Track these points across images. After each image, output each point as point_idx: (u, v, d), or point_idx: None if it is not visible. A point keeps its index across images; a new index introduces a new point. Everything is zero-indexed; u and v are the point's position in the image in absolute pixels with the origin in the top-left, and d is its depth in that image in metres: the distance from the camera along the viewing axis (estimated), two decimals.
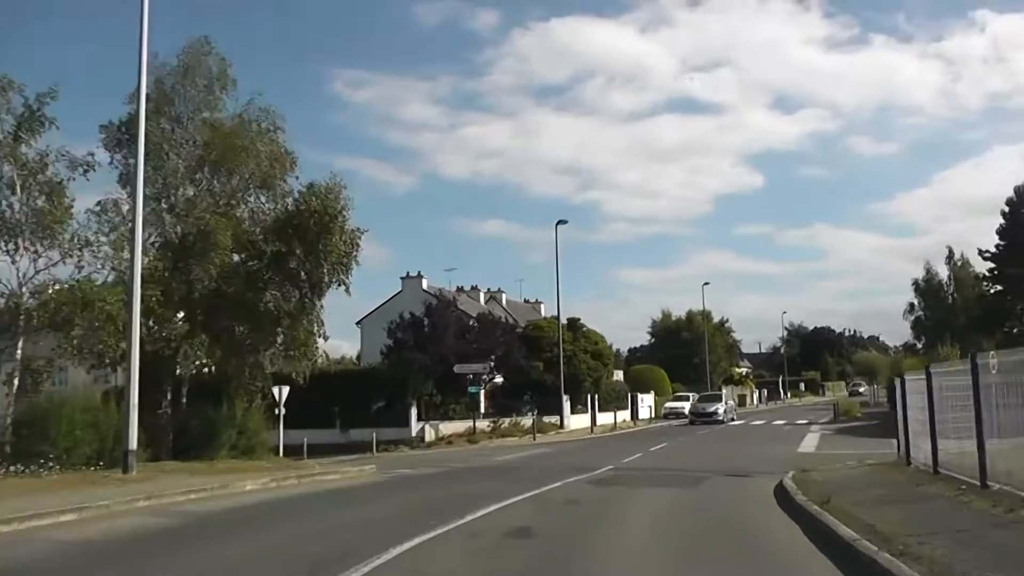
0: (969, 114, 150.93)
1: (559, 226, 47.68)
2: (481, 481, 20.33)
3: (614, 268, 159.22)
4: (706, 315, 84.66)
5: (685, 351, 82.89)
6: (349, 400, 39.84)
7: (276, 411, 29.67)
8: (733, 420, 49.93)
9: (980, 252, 51.81)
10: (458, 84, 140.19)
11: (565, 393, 46.69)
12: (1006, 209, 51.42)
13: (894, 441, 29.88)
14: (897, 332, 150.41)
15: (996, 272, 50.98)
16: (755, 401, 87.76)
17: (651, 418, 59.53)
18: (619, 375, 65.31)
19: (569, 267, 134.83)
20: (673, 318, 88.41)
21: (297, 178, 24.58)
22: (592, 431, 45.56)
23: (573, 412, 48.08)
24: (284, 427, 30.38)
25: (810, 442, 32.72)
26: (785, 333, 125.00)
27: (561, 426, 45.93)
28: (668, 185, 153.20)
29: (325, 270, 23.63)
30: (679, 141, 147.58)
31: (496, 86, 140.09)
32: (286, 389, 29.96)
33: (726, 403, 54.77)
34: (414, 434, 40.83)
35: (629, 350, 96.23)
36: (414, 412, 41.46)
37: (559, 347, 46.11)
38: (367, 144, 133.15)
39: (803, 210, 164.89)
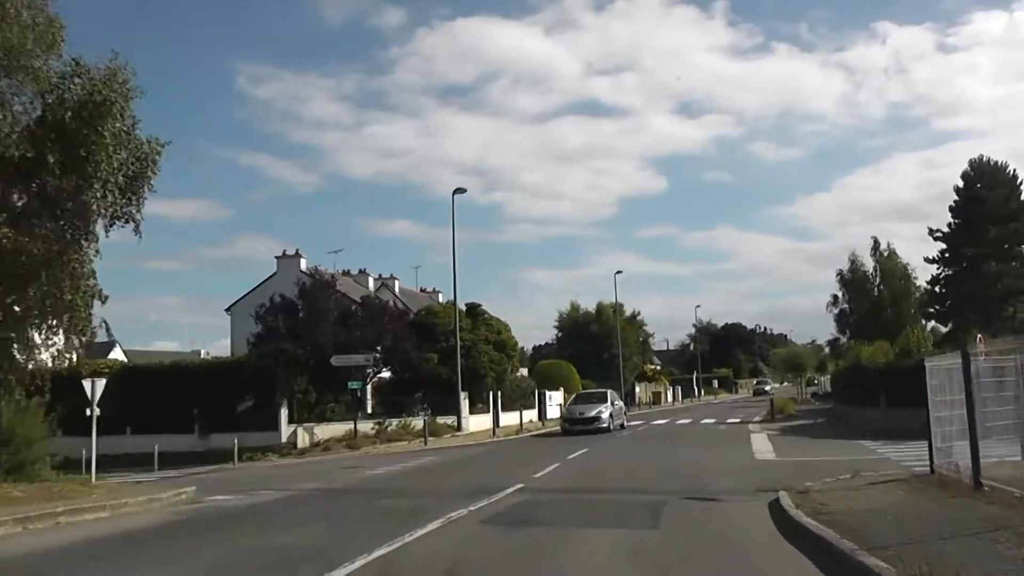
0: (870, 122, 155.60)
1: (456, 195, 40.65)
2: (317, 521, 13.43)
3: (519, 269, 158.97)
4: (618, 308, 78.93)
5: (595, 346, 76.87)
6: (210, 400, 33.33)
7: (88, 412, 22.29)
8: (623, 428, 39.86)
9: (931, 232, 46.94)
10: (363, 82, 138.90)
11: (463, 389, 39.85)
12: (960, 184, 46.59)
13: (864, 444, 24.66)
14: (803, 332, 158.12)
15: (948, 254, 46.04)
16: (670, 399, 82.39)
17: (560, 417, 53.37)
18: (525, 373, 58.91)
19: (474, 268, 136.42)
20: (581, 311, 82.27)
21: (61, 57, 16.45)
22: (494, 433, 38.69)
23: (472, 411, 41.23)
24: (103, 433, 23.68)
25: (762, 446, 26.65)
26: (695, 330, 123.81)
27: (458, 428, 39.07)
28: (572, 187, 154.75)
29: (96, 192, 15.88)
30: (584, 143, 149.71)
31: (401, 85, 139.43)
32: (101, 383, 22.95)
33: (612, 404, 48.37)
34: (284, 439, 34.28)
35: (534, 347, 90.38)
36: (284, 413, 34.71)
37: (456, 335, 39.21)
38: (270, 141, 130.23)
39: (707, 213, 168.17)
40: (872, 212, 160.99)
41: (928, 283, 46.94)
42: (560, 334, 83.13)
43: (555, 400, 53.93)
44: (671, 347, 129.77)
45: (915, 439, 20.71)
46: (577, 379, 63.07)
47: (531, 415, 48.71)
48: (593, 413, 42.31)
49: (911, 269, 72.13)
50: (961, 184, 46.16)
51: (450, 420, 39.41)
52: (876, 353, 31.93)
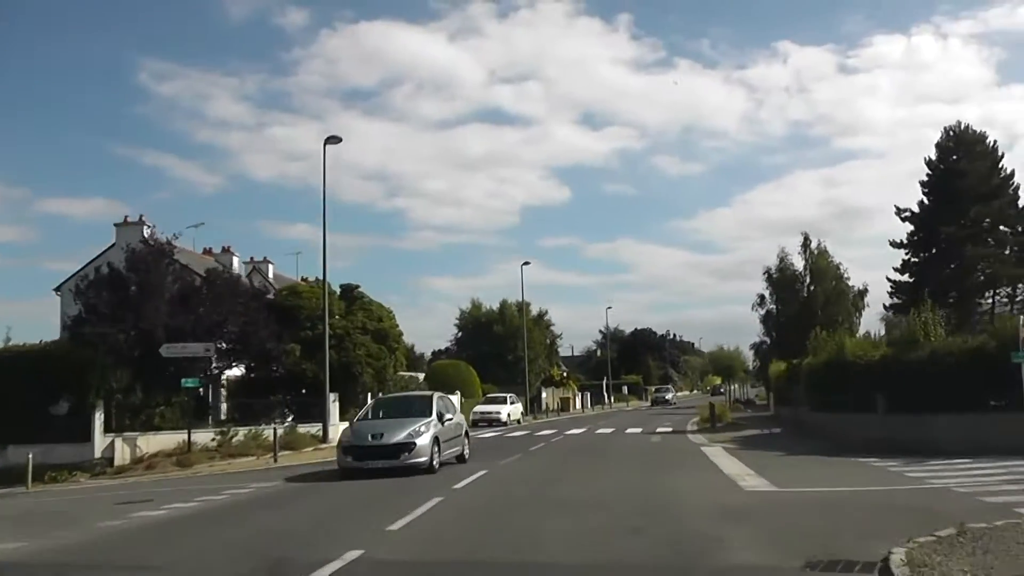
0: (772, 139, 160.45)
1: (328, 144, 31.64)
2: None
3: (420, 276, 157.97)
4: (524, 306, 71.50)
5: (498, 348, 69.30)
6: (11, 400, 24.88)
7: None
8: (518, 424, 35.87)
9: (899, 211, 40.38)
10: (265, 83, 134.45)
11: (333, 390, 31.42)
12: (931, 156, 40.11)
13: (871, 463, 17.98)
14: (709, 342, 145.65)
15: (918, 236, 39.42)
16: (579, 405, 75.11)
17: None
18: (421, 378, 50.79)
19: (375, 274, 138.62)
20: (484, 309, 74.51)
21: None
22: None
23: (345, 417, 32.53)
24: None
25: (733, 466, 19.06)
26: (602, 336, 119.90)
27: (324, 438, 30.55)
28: (475, 194, 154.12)
29: None
30: (487, 151, 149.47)
31: (304, 87, 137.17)
32: None
33: (511, 403, 42.04)
34: (99, 454, 25.89)
35: (433, 352, 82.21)
36: (99, 419, 26.19)
37: (325, 321, 30.74)
38: (173, 140, 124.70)
39: (609, 224, 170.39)
40: (773, 227, 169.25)
41: (897, 270, 40.25)
42: (460, 334, 75.09)
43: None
44: (577, 353, 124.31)
45: (931, 455, 18.34)
46: (477, 382, 55.34)
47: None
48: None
49: (843, 269, 67.00)
50: (934, 156, 39.66)
51: (316, 428, 30.97)
52: (862, 347, 24.76)
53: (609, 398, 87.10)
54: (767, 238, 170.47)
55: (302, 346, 31.58)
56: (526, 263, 61.31)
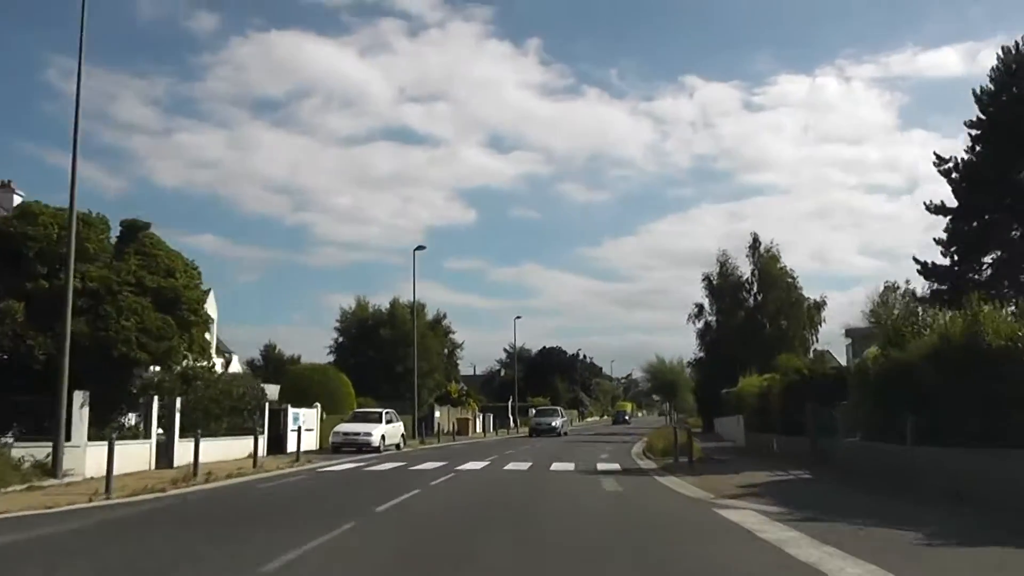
0: (677, 172, 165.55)
1: None
2: None
3: (324, 293, 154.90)
4: (417, 308, 59.62)
5: (386, 355, 57.00)
6: None
7: None
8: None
9: (938, 160, 29.58)
10: (173, 87, 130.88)
11: (81, 386, 18.88)
12: (981, 87, 29.45)
13: None
14: (618, 370, 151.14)
15: (966, 196, 28.46)
16: (479, 428, 63.12)
17: (317, 449, 33.23)
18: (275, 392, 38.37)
19: (278, 290, 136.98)
20: (372, 310, 62.11)
21: None
22: (108, 490, 16.99)
23: (124, 434, 19.69)
24: None
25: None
26: (507, 355, 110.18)
27: (54, 470, 17.95)
28: (381, 213, 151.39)
29: None
30: (393, 169, 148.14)
31: (212, 93, 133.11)
32: None
33: (387, 422, 31.39)
34: None
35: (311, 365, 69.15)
36: None
37: (69, 263, 18.17)
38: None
39: (515, 249, 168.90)
40: (677, 258, 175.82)
41: (940, 245, 29.41)
42: (340, 339, 62.33)
43: (307, 421, 33.65)
44: (480, 372, 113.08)
45: None
46: (351, 393, 42.97)
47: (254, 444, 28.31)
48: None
49: (796, 277, 57.23)
50: (989, 85, 29.16)
51: (46, 451, 18.37)
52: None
53: (515, 421, 75.43)
54: (672, 268, 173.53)
55: (30, 306, 19.02)
56: (420, 247, 49.01)
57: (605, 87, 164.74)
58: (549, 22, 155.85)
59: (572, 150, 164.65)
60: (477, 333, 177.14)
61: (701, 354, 59.34)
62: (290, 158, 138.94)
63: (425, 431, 48.11)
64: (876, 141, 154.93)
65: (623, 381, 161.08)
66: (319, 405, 35.18)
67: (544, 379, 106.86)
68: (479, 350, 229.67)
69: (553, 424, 55.06)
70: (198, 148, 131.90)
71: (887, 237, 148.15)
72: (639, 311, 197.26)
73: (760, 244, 57.56)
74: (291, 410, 32.39)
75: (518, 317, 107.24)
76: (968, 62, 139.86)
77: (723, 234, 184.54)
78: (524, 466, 23.81)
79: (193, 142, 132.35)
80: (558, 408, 56.98)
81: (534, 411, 62.82)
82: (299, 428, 29.98)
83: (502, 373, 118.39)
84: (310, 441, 33.66)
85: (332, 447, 32.27)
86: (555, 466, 23.65)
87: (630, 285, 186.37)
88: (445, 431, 52.93)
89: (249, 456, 25.07)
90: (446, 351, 63.48)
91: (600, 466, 23.81)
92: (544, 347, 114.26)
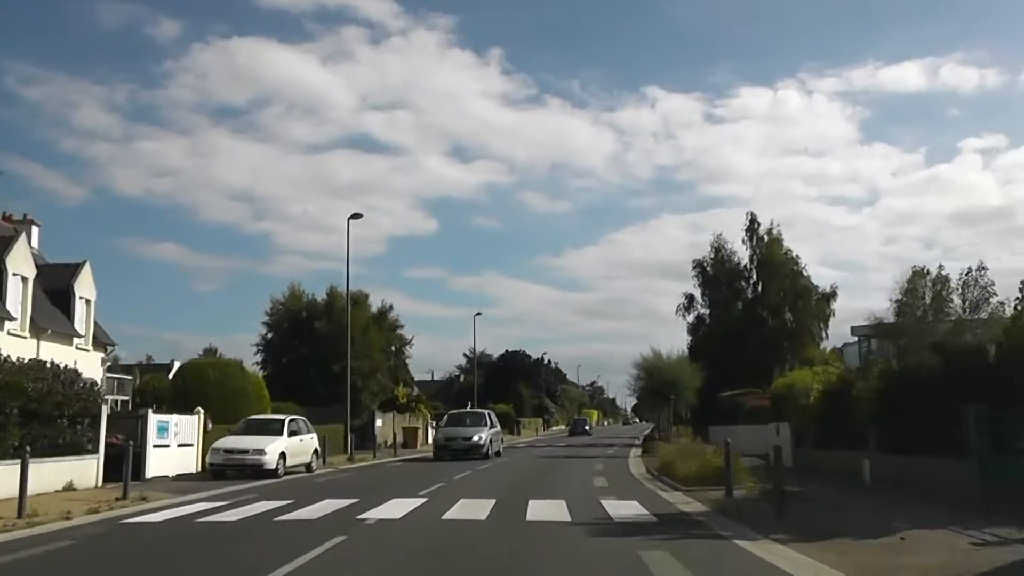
0: (639, 182, 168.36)
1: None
2: None
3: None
4: (361, 299, 51.03)
5: (322, 352, 47.96)
6: None
7: None
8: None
9: None
10: (134, 94, 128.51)
11: None
12: None
13: None
14: (581, 377, 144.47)
15: None
16: (430, 439, 53.78)
17: (197, 472, 24.32)
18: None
19: (239, 299, 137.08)
20: (306, 299, 52.91)
21: None
22: None
23: None
24: None
25: None
26: (467, 359, 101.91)
27: None
28: (342, 221, 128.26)
29: None
30: (355, 178, 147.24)
31: (173, 101, 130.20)
32: None
33: (291, 434, 23.05)
34: None
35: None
36: None
37: None
38: (38, 148, 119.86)
39: (476, 258, 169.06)
40: (638, 268, 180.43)
41: None
42: (270, 334, 53.06)
43: (185, 433, 24.69)
44: (437, 378, 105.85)
45: None
46: (265, 395, 34.05)
47: (86, 467, 19.42)
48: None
49: (802, 264, 49.08)
50: None
51: None
52: None
53: None
54: (633, 278, 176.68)
55: None
56: (356, 215, 39.49)
57: (567, 97, 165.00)
58: (511, 32, 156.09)
59: (534, 160, 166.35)
60: (437, 341, 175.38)
61: (689, 352, 50.72)
62: (251, 166, 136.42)
63: (361, 443, 39.23)
64: (838, 154, 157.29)
65: (588, 388, 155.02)
66: (201, 411, 25.96)
67: (507, 385, 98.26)
68: (439, 358, 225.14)
69: (474, 439, 34.48)
70: (159, 156, 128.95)
71: (848, 249, 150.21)
72: (600, 321, 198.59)
73: (759, 225, 49.36)
74: (155, 418, 23.20)
75: (478, 313, 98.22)
76: (930, 77, 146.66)
77: (684, 245, 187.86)
78: (481, 510, 14.62)
79: (154, 150, 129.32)
80: (485, 413, 40.28)
81: (445, 419, 41.74)
82: (170, 442, 20.94)
83: (461, 378, 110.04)
84: (187, 461, 24.63)
85: (210, 471, 23.20)
86: (534, 508, 14.70)
87: (591, 295, 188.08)
88: (388, 443, 43.94)
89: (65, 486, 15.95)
90: (393, 348, 54.43)
91: (613, 508, 14.87)
92: (507, 351, 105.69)
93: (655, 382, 45.51)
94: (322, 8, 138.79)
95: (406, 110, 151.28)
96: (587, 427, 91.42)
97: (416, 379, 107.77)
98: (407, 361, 57.24)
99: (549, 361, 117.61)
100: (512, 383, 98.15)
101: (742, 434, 31.06)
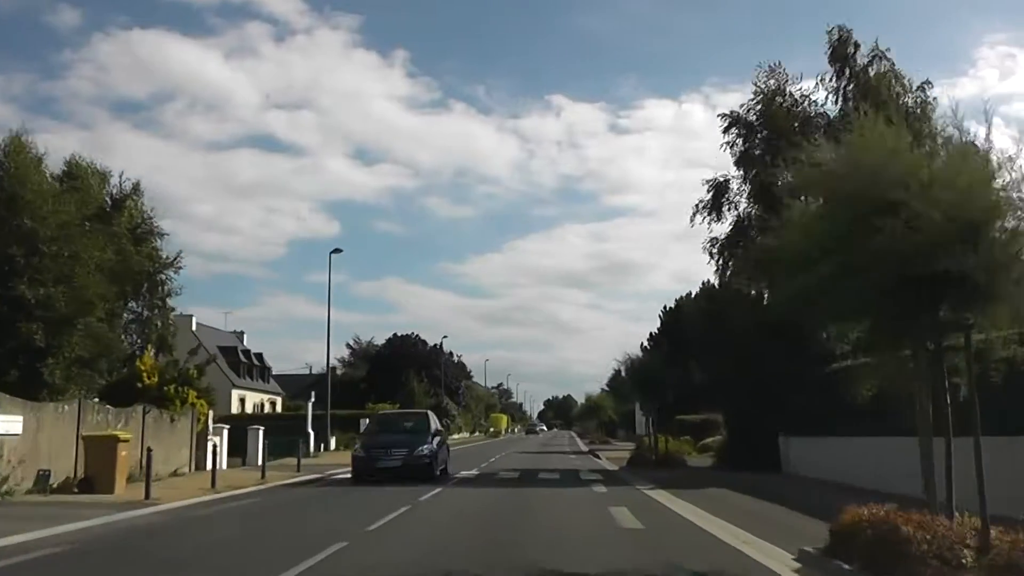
0: (543, 190, 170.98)
1: None
2: None
3: (185, 306, 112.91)
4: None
5: None
6: None
7: None
8: None
9: None
10: (33, 85, 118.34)
11: None
12: None
13: None
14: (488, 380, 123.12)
15: None
16: (223, 459, 27.88)
17: None
18: None
19: None
20: None
21: None
22: None
23: None
24: None
25: None
26: (350, 349, 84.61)
27: None
28: (244, 223, 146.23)
29: None
30: (257, 178, 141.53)
31: (73, 92, 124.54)
32: None
33: None
34: None
35: None
36: None
37: None
38: None
39: (377, 263, 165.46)
40: (541, 276, 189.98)
41: None
42: None
43: None
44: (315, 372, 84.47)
45: None
46: None
47: None
48: None
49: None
50: None
51: None
52: None
53: (321, 443, 41.59)
54: (537, 286, 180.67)
55: None
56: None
57: (472, 103, 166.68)
58: (416, 35, 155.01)
59: (438, 165, 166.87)
60: (334, 346, 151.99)
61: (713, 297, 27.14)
62: (151, 162, 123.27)
63: None
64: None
65: (495, 391, 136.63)
66: None
67: (397, 378, 73.92)
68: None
69: (418, 452, 22.75)
70: (59, 150, 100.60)
71: None
72: (503, 328, 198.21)
73: (858, 47, 25.94)
74: None
75: (336, 251, 76.70)
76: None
77: (587, 254, 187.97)
78: None
79: (53, 144, 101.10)
80: (426, 413, 27.10)
81: (368, 424, 29.11)
82: None
83: (338, 371, 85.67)
84: None
85: None
86: None
87: (494, 302, 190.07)
88: (71, 479, 19.05)
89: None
90: (149, 269, 27.78)
91: None
92: (395, 335, 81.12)
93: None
94: (225, 2, 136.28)
95: (310, 110, 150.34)
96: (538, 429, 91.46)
97: (287, 373, 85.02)
98: (172, 309, 29.55)
99: (451, 353, 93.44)
100: (400, 376, 73.73)
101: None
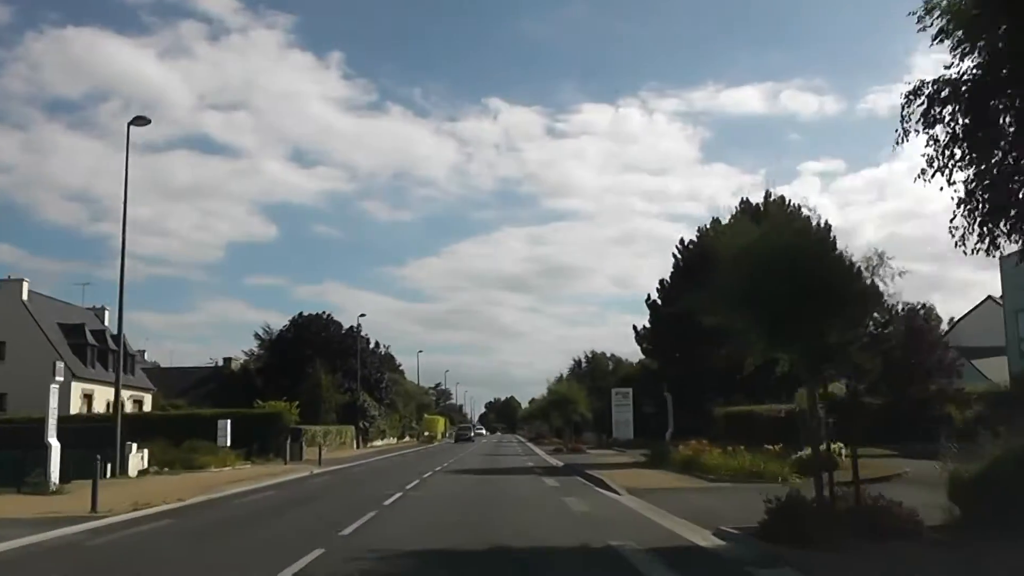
0: (481, 193, 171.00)
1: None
2: None
3: (128, 311, 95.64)
4: None
5: None
6: None
7: None
8: None
9: None
10: None
11: None
12: None
13: None
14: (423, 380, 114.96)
15: None
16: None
17: None
18: None
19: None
20: None
21: None
22: None
23: None
24: None
25: None
26: (257, 341, 70.23)
27: None
28: (181, 226, 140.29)
29: None
30: (194, 180, 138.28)
31: (6, 92, 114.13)
32: None
33: None
34: None
35: None
36: None
37: None
38: None
39: (316, 266, 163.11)
40: (481, 280, 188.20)
41: None
42: None
43: None
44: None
45: None
46: None
47: None
48: None
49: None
50: None
51: None
52: None
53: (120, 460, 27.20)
54: (476, 289, 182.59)
55: None
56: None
57: (409, 105, 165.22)
58: (352, 35, 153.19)
59: (376, 168, 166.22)
60: (245, 340, 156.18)
61: None
62: (88, 164, 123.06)
63: None
64: (679, 173, 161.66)
65: (432, 391, 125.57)
66: None
67: (299, 368, 59.32)
68: None
69: None
70: None
71: None
72: (443, 332, 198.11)
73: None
74: None
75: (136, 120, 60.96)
76: (770, 101, 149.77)
77: (525, 257, 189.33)
78: None
79: None
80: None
81: None
82: None
83: (234, 364, 71.28)
84: None
85: None
86: None
87: (434, 305, 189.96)
88: None
89: None
90: None
91: None
92: (300, 314, 66.36)
93: None
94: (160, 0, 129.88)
95: (245, 111, 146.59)
96: (472, 434, 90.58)
97: (180, 366, 75.02)
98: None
99: (377, 344, 78.77)
100: (308, 365, 59.18)
101: None
